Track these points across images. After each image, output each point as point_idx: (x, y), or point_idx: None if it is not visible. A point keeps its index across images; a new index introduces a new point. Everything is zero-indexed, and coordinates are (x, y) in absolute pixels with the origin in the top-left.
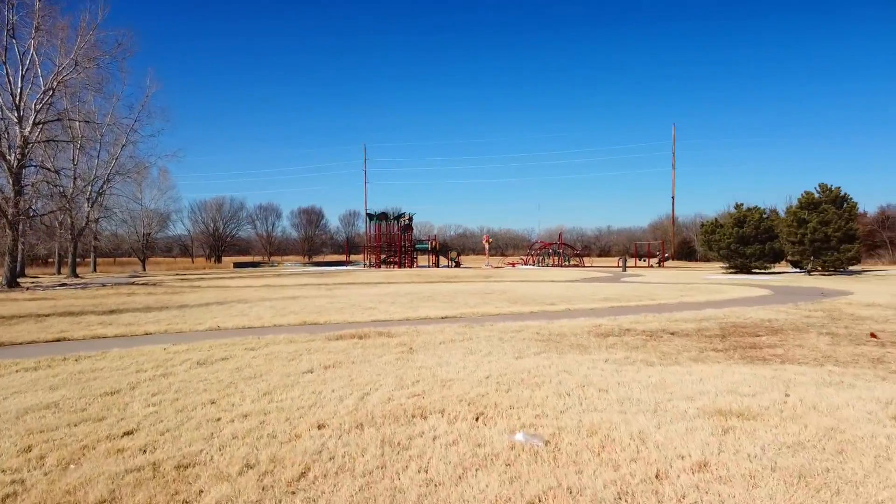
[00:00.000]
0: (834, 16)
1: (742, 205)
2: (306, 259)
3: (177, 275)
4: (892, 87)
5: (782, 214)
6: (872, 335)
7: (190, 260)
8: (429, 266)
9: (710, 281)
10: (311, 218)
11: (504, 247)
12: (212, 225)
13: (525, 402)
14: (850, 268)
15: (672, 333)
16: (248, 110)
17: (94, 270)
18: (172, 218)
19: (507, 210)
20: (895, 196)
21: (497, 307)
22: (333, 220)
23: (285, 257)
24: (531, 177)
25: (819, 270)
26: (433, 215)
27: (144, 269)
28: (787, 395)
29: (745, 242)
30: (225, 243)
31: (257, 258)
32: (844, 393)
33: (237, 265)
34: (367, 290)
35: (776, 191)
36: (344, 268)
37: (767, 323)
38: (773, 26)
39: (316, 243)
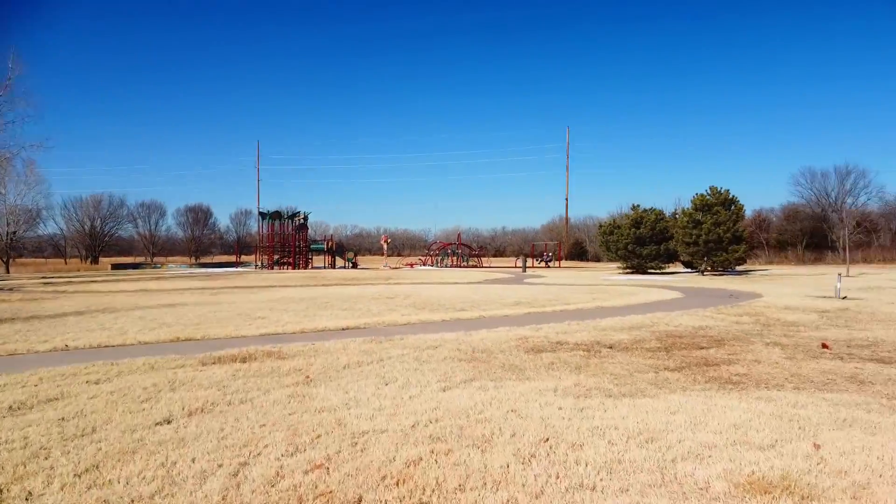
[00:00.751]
0: (721, 21)
1: (639, 206)
2: (193, 260)
3: (43, 278)
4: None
5: (668, 215)
6: (824, 346)
7: (63, 261)
8: (325, 267)
9: (612, 282)
10: (199, 217)
11: (401, 247)
12: (88, 223)
13: (480, 479)
14: (737, 267)
15: (609, 347)
16: (133, 105)
17: None
18: (43, 216)
19: (405, 210)
20: (768, 199)
21: (404, 314)
22: (224, 220)
23: (170, 258)
24: (428, 177)
25: (710, 270)
26: (329, 215)
27: (8, 272)
28: (816, 447)
29: (642, 243)
30: (103, 243)
31: (140, 259)
32: (880, 436)
33: (116, 266)
34: (258, 294)
35: (665, 194)
36: (234, 269)
37: (703, 332)
38: (663, 31)
39: (204, 243)
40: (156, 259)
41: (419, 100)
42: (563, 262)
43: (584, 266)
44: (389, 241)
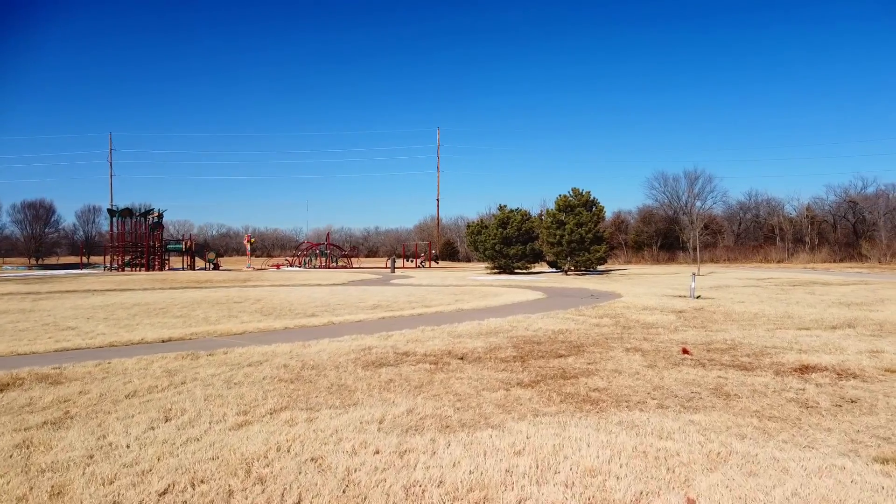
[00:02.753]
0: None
1: (505, 206)
2: (33, 261)
3: None
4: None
5: (534, 216)
6: (685, 351)
7: None
8: (183, 269)
9: (479, 282)
10: (40, 213)
11: (272, 247)
12: None
13: None
14: (599, 267)
15: (461, 358)
16: None
17: None
18: None
19: (275, 210)
20: (626, 202)
21: (244, 322)
22: (69, 217)
23: (7, 259)
24: (299, 175)
25: (573, 270)
26: (193, 214)
27: None
28: (691, 502)
29: (509, 243)
30: None
31: None
32: (762, 479)
33: None
34: (86, 300)
35: (531, 195)
36: (77, 271)
37: (562, 336)
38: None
39: (46, 243)
40: None
41: (293, 97)
42: (436, 263)
43: (455, 267)
44: (254, 240)
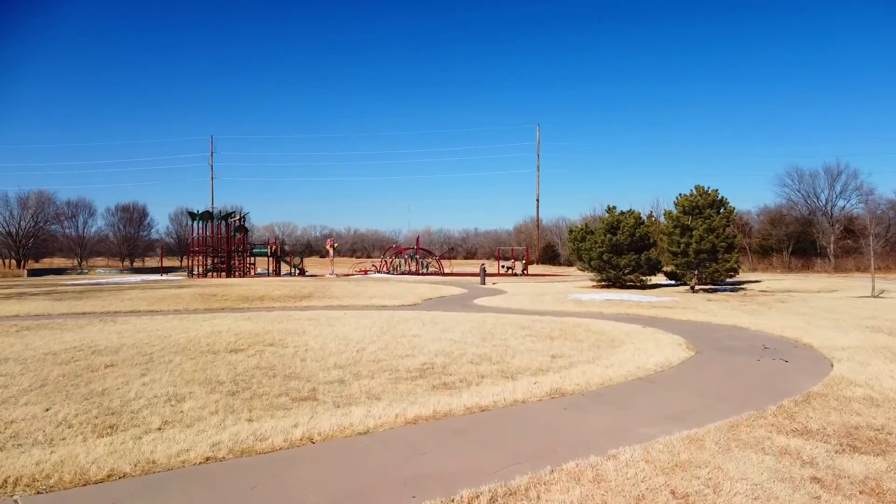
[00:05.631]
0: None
1: (614, 208)
2: (125, 264)
3: None
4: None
5: (646, 218)
6: None
7: None
8: (268, 273)
9: (584, 307)
10: (133, 216)
11: (371, 248)
12: (14, 223)
13: None
14: (728, 279)
15: None
16: (72, 100)
17: None
18: None
19: (376, 210)
20: (742, 200)
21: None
22: (164, 220)
23: (100, 260)
24: (401, 175)
25: (700, 283)
26: (297, 216)
27: None
28: None
29: (619, 252)
30: (22, 246)
31: (68, 263)
32: None
33: (33, 273)
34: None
35: (641, 194)
36: (157, 276)
37: None
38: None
39: (139, 246)
40: (84, 263)
41: (393, 98)
42: (534, 268)
43: (555, 274)
44: (336, 244)
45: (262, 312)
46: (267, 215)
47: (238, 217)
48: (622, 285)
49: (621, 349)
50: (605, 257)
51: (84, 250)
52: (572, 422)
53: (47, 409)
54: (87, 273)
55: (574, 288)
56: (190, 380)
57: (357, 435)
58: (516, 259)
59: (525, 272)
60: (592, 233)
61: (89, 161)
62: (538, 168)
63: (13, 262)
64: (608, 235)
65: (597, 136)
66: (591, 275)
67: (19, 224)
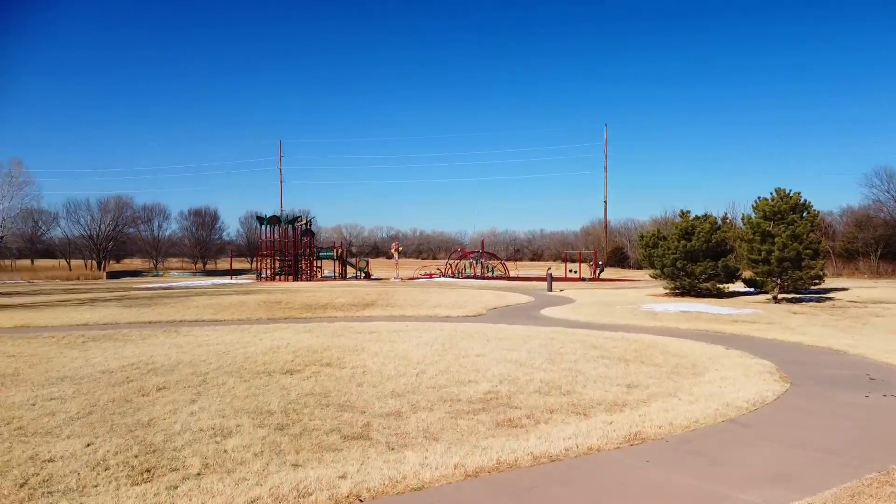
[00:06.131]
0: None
1: (688, 212)
2: (198, 266)
3: None
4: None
5: (720, 222)
6: None
7: (68, 266)
8: (334, 276)
9: (658, 319)
10: (205, 220)
11: (436, 249)
12: (94, 227)
13: None
14: (812, 287)
15: None
16: (141, 107)
17: None
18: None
19: (442, 211)
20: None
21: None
22: (234, 223)
23: (174, 261)
24: (466, 177)
25: (783, 292)
26: (364, 217)
27: None
28: None
29: (694, 259)
30: (102, 248)
31: (145, 265)
32: None
33: (112, 275)
34: (102, 355)
35: (713, 196)
36: (227, 280)
37: None
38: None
39: (211, 248)
40: (159, 265)
41: (460, 99)
42: (600, 274)
43: (624, 279)
44: (401, 248)
45: (323, 323)
46: (335, 217)
47: (304, 220)
48: (697, 293)
49: (705, 378)
50: (678, 264)
51: (159, 253)
52: (657, 481)
53: (88, 445)
54: (161, 275)
55: (645, 296)
56: (239, 409)
57: (410, 491)
58: (585, 262)
59: (593, 273)
60: (665, 238)
61: (163, 166)
62: (605, 168)
63: (94, 263)
64: (682, 241)
65: (667, 136)
66: (664, 282)
67: (99, 227)
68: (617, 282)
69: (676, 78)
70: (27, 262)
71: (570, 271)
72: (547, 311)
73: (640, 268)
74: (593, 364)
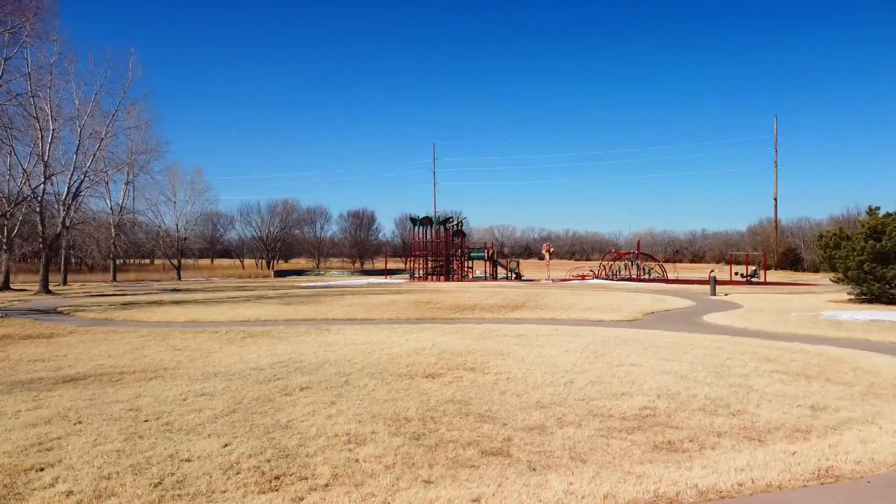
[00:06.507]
0: None
1: (877, 209)
2: (356, 266)
3: (174, 290)
4: None
5: None
6: None
7: (241, 266)
8: (485, 277)
9: (844, 335)
10: (363, 221)
11: (589, 250)
12: (264, 229)
13: None
14: None
15: None
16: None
17: (65, 282)
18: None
19: (595, 212)
20: None
21: None
22: (389, 224)
23: (335, 261)
24: (620, 176)
25: None
26: (516, 218)
27: (180, 278)
28: None
29: (885, 261)
30: (271, 249)
31: (308, 264)
32: None
33: (279, 273)
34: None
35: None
36: (381, 279)
37: None
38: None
39: (368, 248)
40: (320, 265)
41: (614, 95)
42: (772, 274)
43: (797, 282)
44: (552, 249)
45: (470, 325)
46: (487, 218)
47: (456, 222)
48: (889, 300)
49: None
50: (865, 267)
51: (321, 252)
52: None
53: (225, 445)
54: (322, 274)
55: (825, 302)
56: (377, 414)
57: None
58: (752, 264)
59: (762, 276)
60: (849, 238)
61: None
62: (776, 164)
63: (264, 263)
64: (870, 241)
65: (846, 129)
66: (848, 287)
67: (268, 229)
68: (788, 285)
69: (854, 69)
70: (207, 261)
71: (736, 274)
72: (710, 318)
73: (816, 270)
74: (767, 380)
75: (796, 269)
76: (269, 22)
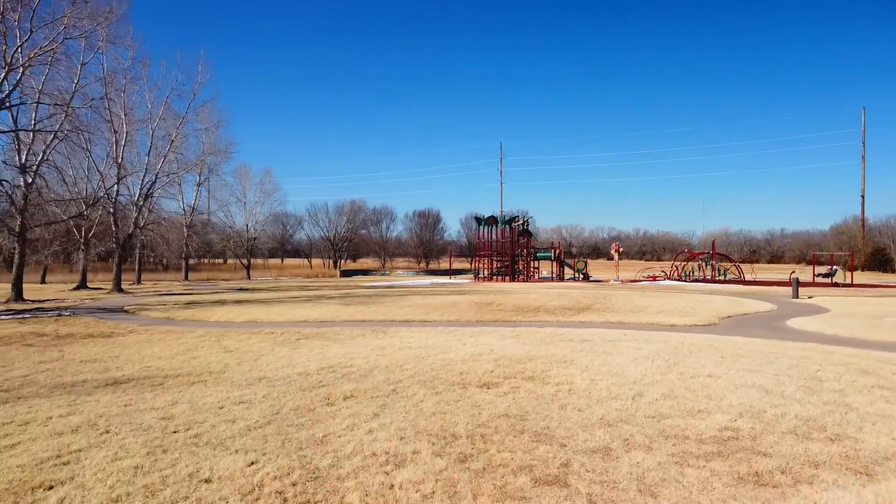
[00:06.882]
0: None
1: None
2: (421, 266)
3: (237, 290)
4: None
5: None
6: None
7: (309, 266)
8: (551, 277)
9: None
10: (428, 221)
11: (661, 251)
12: (331, 229)
13: None
14: None
15: None
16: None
17: (139, 281)
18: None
19: (667, 211)
20: None
21: None
22: (455, 224)
23: (401, 261)
24: (693, 174)
25: None
26: (584, 218)
27: (249, 277)
28: None
29: None
30: (338, 248)
31: (375, 264)
32: None
33: (345, 273)
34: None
35: None
36: (446, 279)
37: None
38: None
39: (433, 248)
40: (385, 265)
41: (687, 91)
42: (858, 276)
43: (887, 284)
44: (622, 249)
45: (532, 328)
46: (555, 218)
47: (522, 221)
48: None
49: None
50: None
51: (386, 252)
52: None
53: (251, 464)
54: (388, 274)
55: None
56: (421, 430)
57: None
58: (836, 264)
59: (849, 278)
60: None
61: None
62: (863, 159)
63: (331, 262)
64: None
65: None
66: None
67: (336, 229)
68: (878, 287)
69: None
70: (277, 261)
71: (818, 275)
72: (794, 323)
73: None
74: (867, 396)
75: (885, 271)
76: (335, 23)
